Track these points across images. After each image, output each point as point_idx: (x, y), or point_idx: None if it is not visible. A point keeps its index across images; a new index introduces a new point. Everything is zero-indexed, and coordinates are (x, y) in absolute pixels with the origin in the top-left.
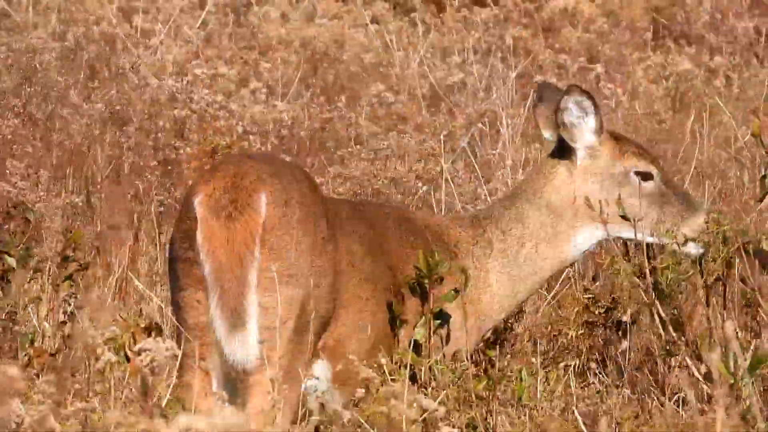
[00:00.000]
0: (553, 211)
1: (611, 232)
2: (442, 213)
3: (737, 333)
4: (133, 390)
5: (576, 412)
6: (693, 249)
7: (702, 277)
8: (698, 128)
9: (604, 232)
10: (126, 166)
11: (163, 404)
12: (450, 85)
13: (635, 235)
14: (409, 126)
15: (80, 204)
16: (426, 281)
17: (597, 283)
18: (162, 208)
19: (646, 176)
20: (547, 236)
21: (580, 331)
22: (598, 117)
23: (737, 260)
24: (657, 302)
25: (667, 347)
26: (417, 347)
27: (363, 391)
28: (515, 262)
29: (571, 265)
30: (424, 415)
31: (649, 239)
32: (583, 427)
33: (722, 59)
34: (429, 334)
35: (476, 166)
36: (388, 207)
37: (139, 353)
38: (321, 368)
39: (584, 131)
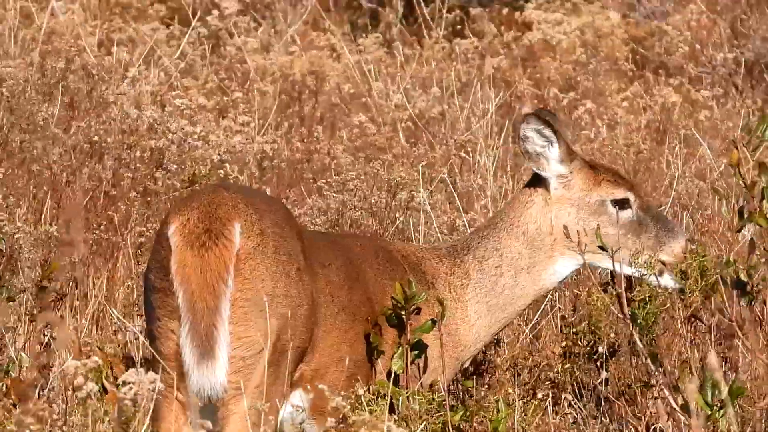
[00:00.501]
0: (530, 240)
1: (589, 261)
2: (421, 243)
3: (720, 364)
4: (111, 422)
5: None
6: (670, 282)
7: (680, 308)
8: (673, 159)
9: (582, 261)
10: (103, 197)
11: None
12: (430, 115)
13: (613, 266)
14: (389, 156)
15: (56, 234)
16: (403, 312)
17: (575, 314)
18: (141, 239)
19: (622, 204)
20: (525, 266)
21: (559, 362)
22: (562, 145)
23: (715, 291)
24: (635, 333)
25: (645, 378)
26: (395, 378)
27: (333, 421)
28: (493, 291)
29: (549, 293)
30: None
31: (627, 270)
32: None
33: (703, 90)
34: (406, 364)
35: (456, 196)
36: (365, 238)
37: (121, 385)
38: (298, 398)
39: (550, 160)
